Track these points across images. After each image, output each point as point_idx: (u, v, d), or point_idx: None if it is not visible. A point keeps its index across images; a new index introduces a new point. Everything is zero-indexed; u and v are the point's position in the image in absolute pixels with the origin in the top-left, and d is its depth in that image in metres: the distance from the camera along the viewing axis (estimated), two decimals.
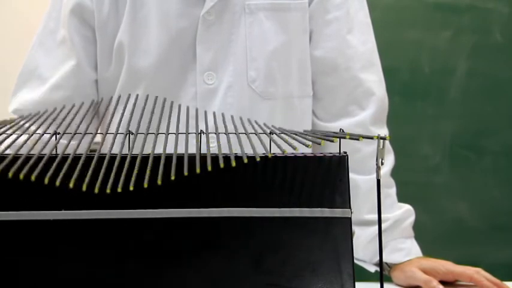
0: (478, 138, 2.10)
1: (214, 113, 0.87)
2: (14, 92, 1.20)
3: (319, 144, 0.70)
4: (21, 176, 0.61)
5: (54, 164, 0.63)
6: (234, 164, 0.66)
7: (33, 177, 0.61)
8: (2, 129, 0.75)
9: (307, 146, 0.71)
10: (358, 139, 0.70)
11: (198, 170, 0.64)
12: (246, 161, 0.66)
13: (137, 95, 0.89)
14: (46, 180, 0.61)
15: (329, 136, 0.73)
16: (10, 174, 0.61)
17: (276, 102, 1.18)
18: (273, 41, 1.17)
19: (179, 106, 0.85)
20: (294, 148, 0.69)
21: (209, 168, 0.65)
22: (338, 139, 0.73)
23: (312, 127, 1.23)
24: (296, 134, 0.75)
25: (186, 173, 0.64)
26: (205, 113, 0.84)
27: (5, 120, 0.83)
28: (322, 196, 0.74)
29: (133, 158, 0.68)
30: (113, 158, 0.67)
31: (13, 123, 0.79)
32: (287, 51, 1.18)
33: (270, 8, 1.17)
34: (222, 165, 0.65)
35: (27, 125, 0.81)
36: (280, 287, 0.72)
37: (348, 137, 0.72)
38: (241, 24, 1.16)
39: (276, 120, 1.17)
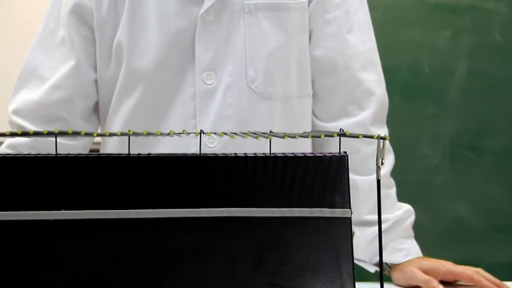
0: (478, 138, 2.10)
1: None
2: (14, 92, 1.20)
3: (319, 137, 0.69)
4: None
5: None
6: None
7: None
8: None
9: (306, 137, 0.70)
10: (358, 137, 0.71)
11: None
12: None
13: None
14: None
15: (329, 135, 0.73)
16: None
17: (275, 102, 1.18)
18: (272, 40, 1.16)
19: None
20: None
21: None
22: (338, 139, 0.73)
23: (312, 127, 1.23)
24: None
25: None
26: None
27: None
28: (322, 196, 0.74)
29: (134, 158, 0.68)
30: (113, 158, 0.67)
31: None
32: (286, 51, 1.17)
33: (269, 7, 1.16)
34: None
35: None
36: (280, 287, 0.72)
37: (348, 133, 0.72)
38: (240, 24, 1.16)
39: (276, 120, 1.17)
